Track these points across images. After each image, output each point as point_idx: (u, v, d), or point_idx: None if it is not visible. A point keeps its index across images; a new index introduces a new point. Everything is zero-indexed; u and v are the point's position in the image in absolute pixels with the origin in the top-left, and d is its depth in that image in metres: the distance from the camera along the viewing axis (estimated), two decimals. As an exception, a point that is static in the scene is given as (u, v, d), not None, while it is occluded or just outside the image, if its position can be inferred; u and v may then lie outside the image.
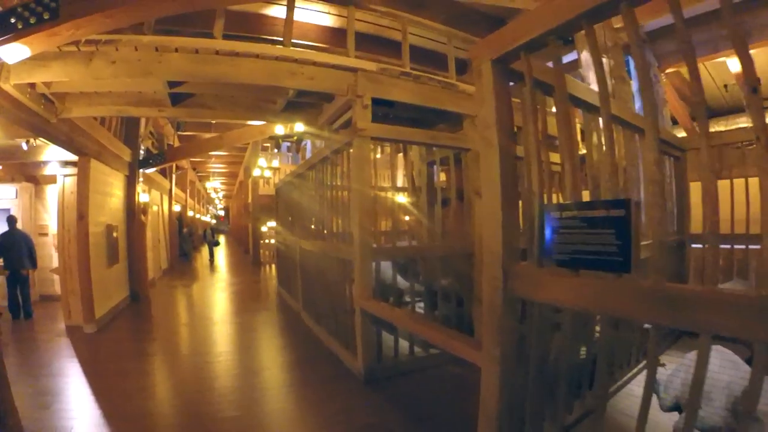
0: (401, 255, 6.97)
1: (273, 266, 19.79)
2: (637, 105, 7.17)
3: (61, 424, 4.79)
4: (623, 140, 4.48)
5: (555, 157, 4.00)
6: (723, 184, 5.35)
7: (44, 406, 5.19)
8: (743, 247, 5.99)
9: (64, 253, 9.36)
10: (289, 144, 24.78)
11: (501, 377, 2.98)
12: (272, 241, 20.31)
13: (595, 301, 2.47)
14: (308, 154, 18.72)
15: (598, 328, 4.05)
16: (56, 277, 10.48)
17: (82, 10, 4.06)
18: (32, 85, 6.19)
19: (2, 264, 9.70)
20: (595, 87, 2.75)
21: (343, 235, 7.07)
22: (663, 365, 3.64)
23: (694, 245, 6.25)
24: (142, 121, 12.58)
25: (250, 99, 8.82)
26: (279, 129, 12.21)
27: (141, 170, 12.46)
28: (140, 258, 12.20)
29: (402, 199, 9.08)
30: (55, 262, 10.85)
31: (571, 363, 3.21)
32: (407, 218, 9.21)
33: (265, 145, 23.34)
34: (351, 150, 6.31)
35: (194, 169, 31.24)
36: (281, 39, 6.27)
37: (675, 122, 11.24)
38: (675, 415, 3.38)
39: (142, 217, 12.42)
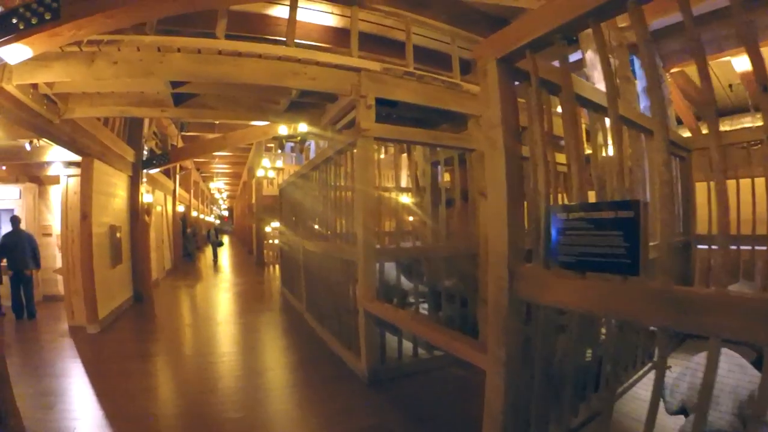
0: (405, 256, 6.93)
1: (276, 267, 19.77)
2: (642, 105, 7.15)
3: (63, 424, 4.77)
4: (629, 140, 4.44)
5: (559, 158, 3.97)
6: (728, 185, 5.31)
7: (47, 407, 5.17)
8: (749, 248, 5.94)
9: (68, 254, 9.36)
10: (292, 144, 24.74)
11: (506, 380, 2.95)
12: (276, 241, 20.28)
13: (602, 304, 2.43)
14: (312, 155, 18.72)
15: (603, 330, 4.03)
16: (60, 277, 10.47)
17: (84, 11, 4.04)
18: (34, 86, 6.18)
19: (6, 264, 9.71)
20: (600, 86, 2.72)
21: (347, 236, 7.05)
22: (669, 368, 3.61)
23: (699, 246, 6.19)
24: (146, 122, 12.57)
25: (253, 99, 8.81)
26: (282, 129, 12.19)
27: (144, 171, 12.46)
28: (144, 258, 12.19)
29: (406, 199, 9.05)
30: (58, 263, 10.84)
31: (577, 365, 3.17)
32: (411, 219, 9.18)
33: (268, 145, 23.35)
34: (354, 150, 6.29)
35: (198, 169, 31.27)
36: (284, 39, 6.25)
37: (679, 122, 11.18)
38: (680, 419, 3.34)
39: (146, 218, 12.42)
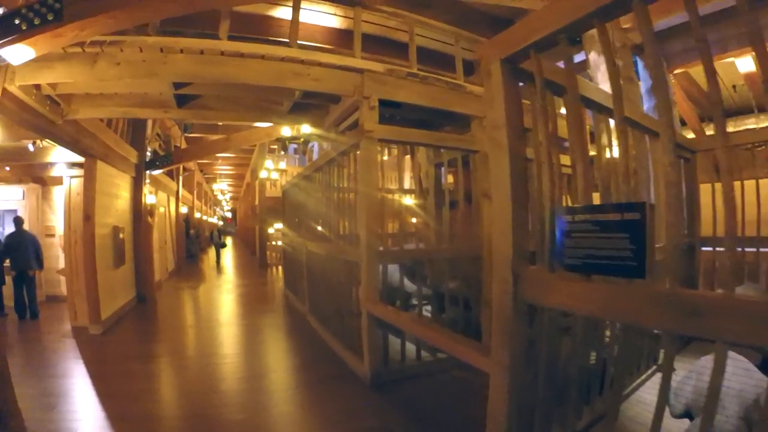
0: (408, 257, 6.91)
1: (279, 268, 19.77)
2: (645, 106, 7.12)
3: (65, 425, 4.77)
4: (633, 142, 4.41)
5: (563, 160, 3.95)
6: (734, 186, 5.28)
7: (49, 407, 5.16)
8: (754, 249, 5.90)
9: (71, 254, 9.36)
10: (296, 146, 24.73)
11: (510, 383, 2.92)
12: (279, 243, 20.27)
13: (608, 307, 2.40)
14: (315, 156, 18.70)
15: (607, 333, 4.01)
16: (63, 278, 10.48)
17: (86, 12, 4.03)
18: (37, 87, 6.18)
19: (9, 265, 9.73)
20: (603, 88, 2.69)
21: (350, 238, 7.03)
22: (673, 371, 3.57)
23: (704, 248, 6.16)
24: (149, 123, 12.58)
25: (256, 100, 8.81)
26: (285, 131, 12.21)
27: (148, 172, 12.46)
28: (146, 259, 12.19)
29: (409, 201, 9.03)
30: (61, 263, 10.83)
31: (581, 368, 3.15)
32: (414, 220, 9.15)
33: (272, 147, 23.32)
34: (358, 152, 6.27)
35: (201, 170, 31.28)
36: (287, 40, 6.24)
37: (683, 123, 11.15)
38: (685, 422, 3.32)
39: (149, 219, 12.41)
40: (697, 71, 9.76)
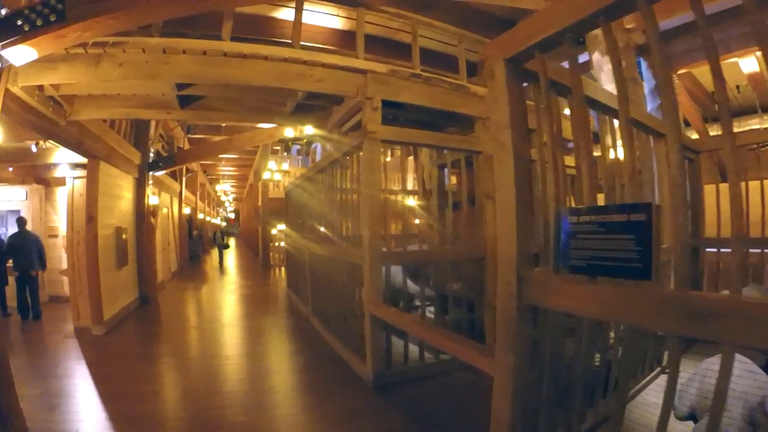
0: (411, 259, 6.90)
1: (282, 269, 19.77)
2: (649, 107, 7.10)
3: (67, 426, 4.76)
4: (637, 143, 4.39)
5: (567, 161, 3.93)
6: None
7: (51, 408, 5.16)
8: (759, 250, 5.87)
9: (73, 255, 9.36)
10: (299, 147, 24.78)
11: (514, 385, 2.90)
12: (282, 244, 20.27)
13: (613, 309, 2.38)
14: (318, 157, 18.70)
15: (612, 334, 3.98)
16: (65, 278, 10.48)
17: (89, 13, 4.02)
18: (40, 88, 6.18)
19: (12, 265, 9.74)
20: (607, 88, 2.67)
21: (353, 239, 7.01)
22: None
23: (708, 249, 6.14)
24: (152, 124, 12.58)
25: (258, 101, 8.80)
26: (288, 132, 12.20)
27: (151, 173, 12.46)
28: (149, 260, 12.19)
29: (412, 202, 9.01)
30: (64, 264, 10.83)
31: (586, 369, 3.13)
32: (417, 222, 9.14)
33: (275, 148, 23.34)
34: (361, 153, 6.25)
35: (204, 171, 31.31)
36: (290, 41, 6.23)
37: (686, 124, 11.11)
38: (689, 424, 3.29)
39: (152, 220, 12.42)
40: (700, 71, 9.75)
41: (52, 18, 3.89)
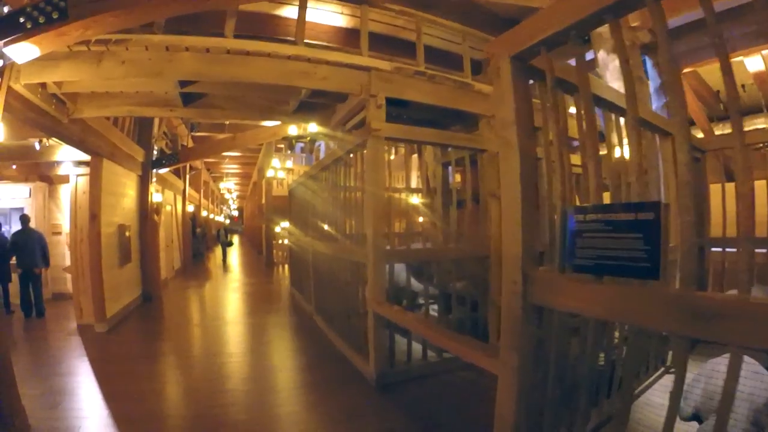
0: (415, 257, 6.87)
1: (286, 267, 19.78)
2: (654, 105, 7.06)
3: (69, 423, 4.76)
4: (644, 141, 4.36)
5: (572, 159, 3.90)
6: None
7: (53, 405, 5.16)
8: (764, 250, 5.83)
9: (76, 253, 9.39)
10: (302, 145, 24.77)
11: (518, 385, 2.88)
12: (285, 241, 20.29)
13: (620, 310, 2.35)
14: (322, 155, 18.69)
15: (616, 333, 3.95)
16: (69, 275, 10.49)
17: (91, 10, 4.01)
18: (43, 85, 6.18)
19: (15, 262, 9.75)
20: (613, 86, 2.64)
21: (356, 237, 6.99)
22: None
23: (713, 249, 6.10)
24: (156, 122, 12.59)
25: (262, 99, 8.78)
26: (292, 130, 12.19)
27: (154, 170, 12.48)
28: (153, 258, 12.20)
29: (416, 200, 8.99)
30: (68, 261, 10.86)
31: (590, 369, 3.10)
32: (421, 220, 9.11)
33: (278, 146, 23.36)
34: (365, 150, 6.23)
35: (208, 169, 31.32)
36: (294, 39, 6.21)
37: (691, 123, 11.05)
38: (693, 425, 3.27)
39: (155, 217, 12.43)
40: (705, 70, 9.70)
41: (55, 15, 3.89)
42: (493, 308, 6.30)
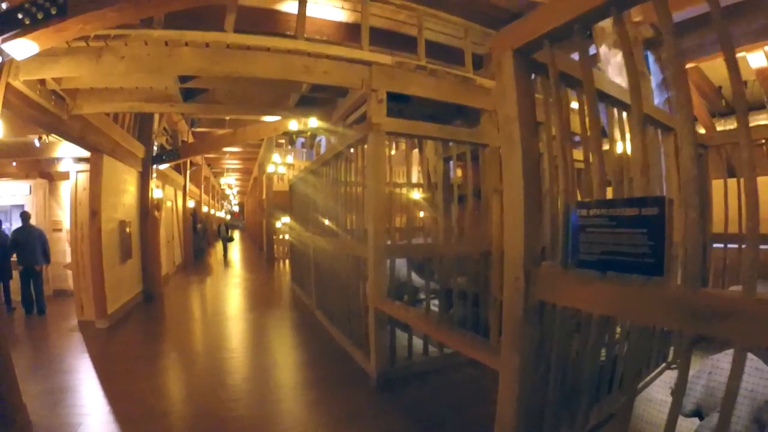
0: (416, 253, 6.85)
1: (287, 262, 19.78)
2: (656, 100, 7.03)
3: (70, 420, 4.76)
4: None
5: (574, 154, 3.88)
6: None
7: (54, 402, 5.16)
8: (767, 247, 5.80)
9: (77, 250, 9.39)
10: (303, 140, 24.75)
11: (520, 384, 2.86)
12: (286, 237, 20.29)
13: (624, 306, 2.32)
14: (323, 150, 18.66)
15: (618, 329, 3.94)
16: (70, 272, 10.48)
17: (90, 5, 4.00)
18: (42, 82, 6.15)
19: (16, 259, 9.74)
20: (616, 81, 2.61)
21: (357, 232, 6.97)
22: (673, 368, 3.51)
23: (715, 245, 6.08)
24: (156, 118, 12.56)
25: (262, 94, 8.77)
26: (293, 125, 12.16)
27: (155, 166, 12.46)
28: (153, 254, 12.19)
29: (417, 195, 8.96)
30: (68, 258, 10.85)
31: (593, 367, 3.09)
32: (422, 215, 9.09)
33: (279, 141, 23.33)
34: (365, 146, 6.21)
35: (209, 165, 31.30)
36: (294, 35, 6.18)
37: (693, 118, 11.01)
38: (694, 421, 3.26)
39: (156, 213, 12.41)
40: (707, 66, 9.66)
41: (53, 11, 3.87)
42: (494, 304, 6.29)
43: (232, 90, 8.33)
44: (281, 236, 22.42)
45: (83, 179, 9.23)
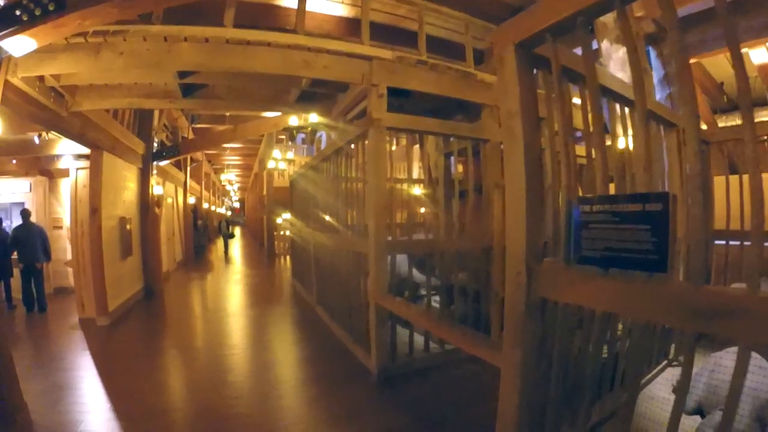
0: (417, 248, 6.84)
1: (288, 258, 19.78)
2: (657, 96, 7.01)
3: (72, 418, 4.76)
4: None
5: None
6: (746, 179, 5.17)
7: (56, 400, 5.16)
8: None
9: (78, 247, 9.37)
10: (303, 136, 24.71)
11: (521, 380, 2.84)
12: (287, 233, 20.29)
13: (627, 304, 2.30)
14: (323, 146, 18.64)
15: (620, 326, 3.92)
16: (71, 269, 10.48)
17: (88, 1, 3.96)
18: (41, 78, 6.12)
19: (17, 257, 9.73)
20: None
21: (358, 228, 6.96)
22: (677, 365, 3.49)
23: (716, 242, 6.05)
24: (156, 114, 12.55)
25: (263, 89, 8.74)
26: (293, 120, 12.15)
27: (155, 163, 12.44)
28: (154, 251, 12.19)
29: (418, 191, 8.95)
30: (69, 255, 10.84)
31: (595, 364, 3.07)
32: (423, 210, 9.07)
33: (279, 137, 23.31)
34: (366, 141, 6.18)
35: (209, 161, 31.30)
36: (294, 30, 6.15)
37: (695, 114, 10.97)
38: (695, 419, 3.25)
39: (156, 210, 12.40)
40: (709, 62, 9.63)
41: (51, 7, 3.83)
42: (495, 300, 6.28)
43: (231, 85, 8.30)
44: (282, 232, 22.42)
45: (83, 176, 9.22)
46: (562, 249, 2.72)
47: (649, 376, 4.54)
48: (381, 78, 6.16)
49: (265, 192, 23.70)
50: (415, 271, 6.88)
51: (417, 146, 9.82)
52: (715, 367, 3.33)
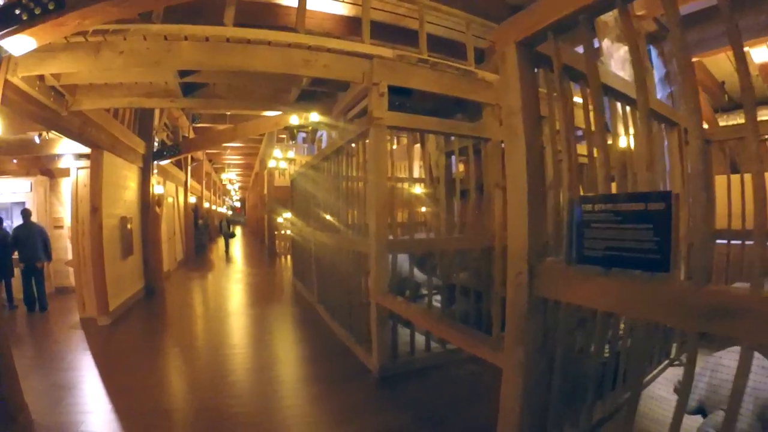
0: (418, 247, 6.83)
1: (288, 257, 19.78)
2: (659, 95, 7.00)
3: (73, 418, 4.74)
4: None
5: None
6: (747, 178, 5.16)
7: (57, 400, 5.14)
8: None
9: (78, 246, 9.37)
10: (304, 135, 24.69)
11: (523, 379, 2.83)
12: (288, 232, 20.27)
13: (629, 303, 2.29)
14: (324, 145, 18.63)
15: (621, 325, 3.91)
16: (71, 269, 10.48)
17: (88, 0, 3.95)
18: (41, 78, 6.11)
19: (18, 257, 9.72)
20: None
21: (359, 227, 6.95)
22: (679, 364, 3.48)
23: (718, 241, 6.04)
24: (156, 113, 12.55)
25: (263, 89, 8.73)
26: (294, 119, 12.12)
27: (155, 162, 12.43)
28: (155, 250, 12.19)
29: (419, 190, 8.94)
30: (70, 255, 10.82)
31: (596, 363, 3.06)
32: (424, 210, 9.06)
33: (280, 136, 23.28)
34: (367, 140, 6.17)
35: (210, 160, 31.29)
36: (295, 28, 6.14)
37: (696, 113, 10.94)
38: (696, 418, 3.24)
39: (157, 209, 12.40)
40: (710, 61, 9.61)
41: (51, 6, 3.82)
42: (496, 299, 6.27)
43: (232, 84, 8.29)
44: (283, 231, 22.41)
45: (84, 176, 9.21)
46: (564, 248, 2.70)
47: (651, 375, 4.53)
48: (382, 77, 6.14)
49: (265, 191, 23.71)
50: (416, 271, 6.87)
51: (418, 145, 9.82)
52: (717, 366, 3.32)
